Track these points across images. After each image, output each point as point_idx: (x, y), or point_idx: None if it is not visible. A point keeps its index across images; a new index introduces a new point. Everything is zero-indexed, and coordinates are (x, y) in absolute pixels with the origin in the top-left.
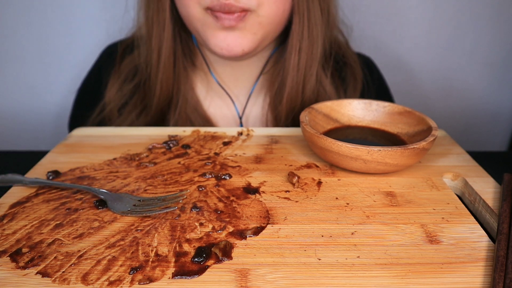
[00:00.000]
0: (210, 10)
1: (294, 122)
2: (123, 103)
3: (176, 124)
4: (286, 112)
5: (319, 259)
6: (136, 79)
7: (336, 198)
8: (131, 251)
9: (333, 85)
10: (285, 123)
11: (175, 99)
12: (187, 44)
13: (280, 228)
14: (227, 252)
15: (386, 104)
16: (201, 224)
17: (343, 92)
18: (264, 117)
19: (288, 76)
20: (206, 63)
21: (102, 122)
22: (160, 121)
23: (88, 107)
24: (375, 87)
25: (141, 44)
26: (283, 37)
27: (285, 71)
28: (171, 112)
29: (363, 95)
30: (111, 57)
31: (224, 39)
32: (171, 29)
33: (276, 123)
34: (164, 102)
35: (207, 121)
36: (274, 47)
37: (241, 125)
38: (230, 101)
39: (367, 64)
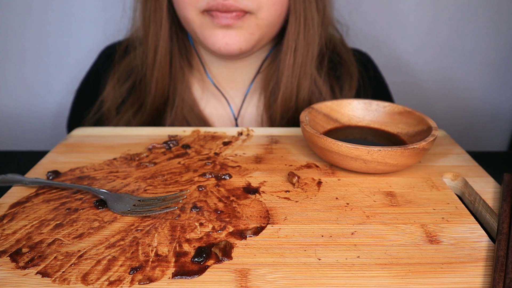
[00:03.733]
0: (206, 11)
1: (289, 122)
2: (121, 102)
3: (172, 124)
4: (280, 112)
5: (319, 259)
6: (133, 78)
7: (336, 198)
8: (131, 251)
9: (328, 85)
10: (280, 123)
11: (172, 99)
12: (183, 43)
13: (280, 228)
14: (227, 252)
15: (386, 104)
16: (201, 224)
17: (339, 90)
18: (259, 117)
19: (283, 77)
20: (202, 63)
21: (100, 121)
22: (156, 120)
23: (86, 108)
24: (372, 84)
25: (138, 43)
26: (279, 37)
27: (280, 71)
28: (167, 112)
29: (359, 93)
30: (109, 58)
31: (222, 37)
32: (168, 28)
33: (271, 123)
34: (159, 101)
35: (204, 122)
36: (271, 48)
37: (237, 126)
38: (226, 102)
39: (363, 61)
